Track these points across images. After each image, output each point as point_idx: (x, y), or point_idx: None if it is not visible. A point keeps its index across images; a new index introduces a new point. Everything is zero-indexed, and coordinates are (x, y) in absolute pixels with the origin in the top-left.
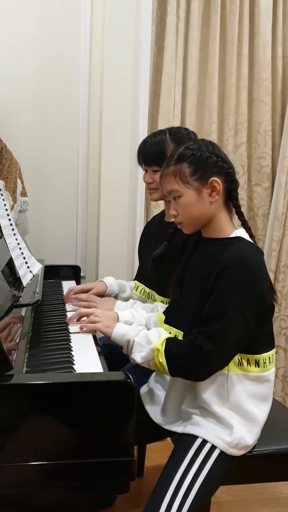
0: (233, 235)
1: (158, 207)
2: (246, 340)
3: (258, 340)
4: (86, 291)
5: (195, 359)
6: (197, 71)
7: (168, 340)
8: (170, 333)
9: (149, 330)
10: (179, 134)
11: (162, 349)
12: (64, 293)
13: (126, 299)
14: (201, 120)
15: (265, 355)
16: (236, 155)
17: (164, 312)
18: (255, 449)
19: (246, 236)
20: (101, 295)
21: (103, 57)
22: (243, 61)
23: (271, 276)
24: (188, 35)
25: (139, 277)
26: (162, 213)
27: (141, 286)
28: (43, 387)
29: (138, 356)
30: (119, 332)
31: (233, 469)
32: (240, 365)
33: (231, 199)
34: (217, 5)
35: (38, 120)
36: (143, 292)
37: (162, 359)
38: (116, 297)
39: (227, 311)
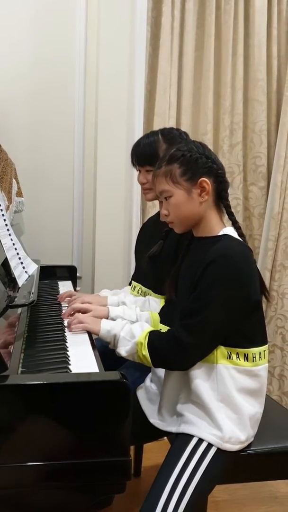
0: (221, 233)
1: (154, 207)
2: (225, 333)
3: (245, 335)
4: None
5: (174, 350)
6: (192, 71)
7: (151, 333)
8: None
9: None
10: (171, 135)
11: (145, 342)
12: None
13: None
14: (196, 120)
15: (255, 350)
16: (232, 155)
17: (159, 312)
18: (251, 448)
19: (234, 234)
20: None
21: (98, 57)
22: (238, 61)
23: (267, 275)
24: (183, 35)
25: (136, 277)
26: (158, 214)
27: (138, 286)
28: (39, 388)
29: (123, 350)
30: (105, 328)
31: (230, 468)
32: (229, 358)
33: (221, 200)
34: (212, 5)
35: (33, 120)
36: (140, 292)
37: (145, 352)
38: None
39: (208, 305)
